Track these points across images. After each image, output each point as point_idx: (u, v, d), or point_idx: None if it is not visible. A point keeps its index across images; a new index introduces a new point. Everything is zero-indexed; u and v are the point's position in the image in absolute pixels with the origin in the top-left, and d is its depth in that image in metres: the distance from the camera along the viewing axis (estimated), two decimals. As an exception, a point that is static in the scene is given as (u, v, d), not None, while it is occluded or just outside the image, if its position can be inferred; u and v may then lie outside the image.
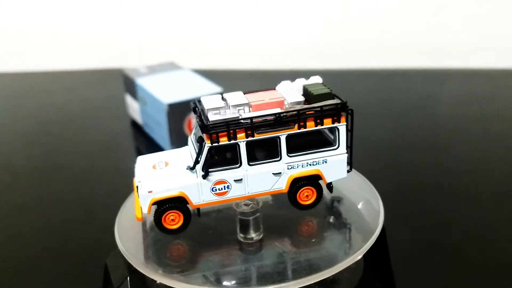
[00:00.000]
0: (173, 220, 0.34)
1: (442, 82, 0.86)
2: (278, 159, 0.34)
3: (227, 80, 0.75)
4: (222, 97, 0.35)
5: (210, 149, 0.33)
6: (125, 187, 0.43)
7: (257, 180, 0.34)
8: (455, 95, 0.80)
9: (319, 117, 0.34)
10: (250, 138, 0.33)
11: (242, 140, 0.33)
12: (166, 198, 0.33)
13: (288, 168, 0.35)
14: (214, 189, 0.34)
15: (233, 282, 0.32)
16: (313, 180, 0.35)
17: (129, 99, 0.73)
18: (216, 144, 0.33)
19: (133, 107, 0.72)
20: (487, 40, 0.92)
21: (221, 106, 0.33)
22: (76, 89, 0.92)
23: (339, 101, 0.34)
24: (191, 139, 0.37)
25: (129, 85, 0.71)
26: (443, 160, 0.60)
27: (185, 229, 0.35)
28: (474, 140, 0.65)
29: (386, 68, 0.92)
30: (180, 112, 0.61)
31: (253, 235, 0.35)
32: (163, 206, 0.34)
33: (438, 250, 0.45)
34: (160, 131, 0.64)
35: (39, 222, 0.52)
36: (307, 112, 0.33)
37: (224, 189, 0.34)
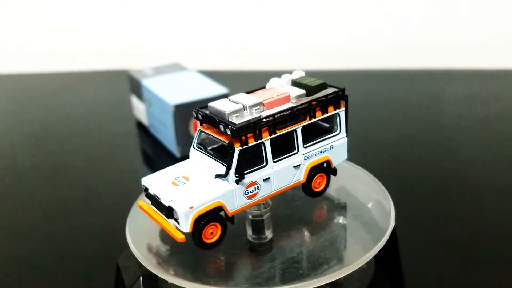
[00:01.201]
0: (212, 234, 0.33)
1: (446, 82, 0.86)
2: (296, 151, 0.36)
3: (233, 81, 0.75)
4: (229, 100, 0.35)
5: (240, 152, 0.33)
6: (131, 188, 0.43)
7: (282, 176, 0.35)
8: (460, 96, 0.80)
9: (325, 106, 0.36)
10: (273, 136, 0.34)
11: (266, 139, 0.34)
12: (206, 212, 0.32)
13: (305, 159, 0.36)
14: (246, 193, 0.34)
15: (244, 282, 0.32)
16: (323, 166, 0.38)
17: (134, 100, 0.73)
18: (246, 146, 0.33)
19: (139, 108, 0.72)
20: (492, 40, 0.92)
21: (240, 108, 0.33)
22: (82, 90, 0.92)
23: (336, 89, 0.37)
24: (197, 148, 0.36)
25: (135, 86, 0.71)
26: (449, 160, 0.60)
27: (222, 241, 0.34)
28: (479, 140, 0.65)
29: (390, 69, 0.92)
30: (186, 113, 0.61)
31: (267, 233, 0.35)
32: (203, 220, 0.32)
33: (448, 250, 0.45)
34: (166, 132, 0.64)
35: (44, 222, 0.52)
36: (313, 103, 0.35)
37: (255, 190, 0.34)
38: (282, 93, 0.35)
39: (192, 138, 0.62)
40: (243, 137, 0.32)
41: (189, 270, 0.33)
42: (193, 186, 0.33)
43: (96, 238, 0.49)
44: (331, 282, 0.31)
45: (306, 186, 0.37)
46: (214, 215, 0.33)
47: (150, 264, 0.33)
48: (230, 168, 0.33)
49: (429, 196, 0.53)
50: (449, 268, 0.42)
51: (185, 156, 0.53)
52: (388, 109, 0.77)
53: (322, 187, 0.38)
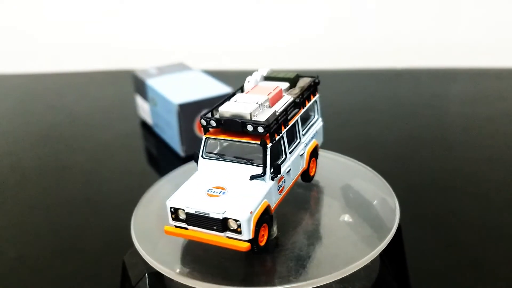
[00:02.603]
0: (263, 236, 0.32)
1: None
2: (299, 141, 0.37)
3: (237, 80, 0.75)
4: (236, 101, 0.34)
5: (271, 148, 0.33)
6: (136, 187, 0.43)
7: (295, 166, 0.36)
8: (464, 95, 0.80)
9: (310, 94, 0.38)
10: (287, 128, 0.35)
11: (284, 132, 0.34)
12: (260, 214, 0.31)
13: (304, 146, 0.37)
14: (278, 188, 0.34)
15: (250, 280, 0.32)
16: (315, 151, 0.39)
17: (139, 100, 0.73)
18: (274, 141, 0.33)
19: (143, 108, 0.72)
20: (496, 39, 0.92)
21: (257, 107, 0.33)
22: (86, 90, 0.92)
23: (311, 78, 0.39)
24: (208, 157, 0.34)
25: (139, 86, 0.72)
26: (453, 159, 0.60)
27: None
28: (484, 139, 0.65)
29: (394, 68, 0.92)
30: (190, 112, 0.61)
31: (272, 231, 0.35)
32: (259, 224, 0.31)
33: (453, 248, 0.44)
34: (170, 132, 0.64)
35: (49, 221, 0.53)
36: (303, 92, 0.37)
37: (283, 184, 0.34)
38: (275, 88, 0.36)
39: (197, 137, 0.62)
40: (275, 134, 0.33)
41: (194, 268, 0.33)
42: (235, 192, 0.32)
43: (102, 236, 0.49)
44: (337, 279, 0.31)
45: (306, 172, 0.38)
46: (265, 216, 0.32)
47: (155, 262, 0.33)
48: (266, 166, 0.32)
49: (433, 195, 0.53)
50: (454, 266, 0.42)
51: (190, 156, 0.53)
52: (393, 108, 0.77)
53: (314, 170, 0.39)
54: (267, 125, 0.32)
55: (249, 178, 0.32)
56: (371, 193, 0.39)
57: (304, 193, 0.40)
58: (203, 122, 0.34)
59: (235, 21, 1.01)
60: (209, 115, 0.34)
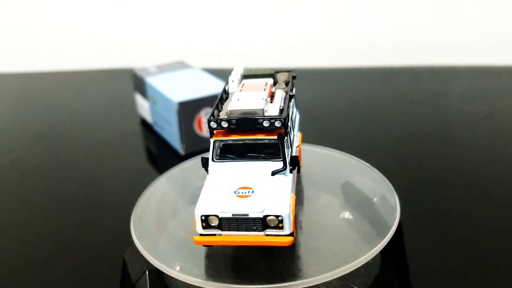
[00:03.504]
0: (295, 228, 0.32)
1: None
2: (294, 132, 0.37)
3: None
4: (238, 100, 0.34)
5: (286, 141, 0.33)
6: (136, 185, 0.43)
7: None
8: (464, 93, 0.80)
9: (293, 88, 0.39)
10: (291, 121, 0.36)
11: (290, 125, 0.35)
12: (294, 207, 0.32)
13: (296, 138, 0.38)
14: (293, 180, 0.34)
15: (250, 278, 0.32)
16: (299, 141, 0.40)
17: (139, 98, 0.73)
18: (288, 134, 0.34)
19: (143, 106, 0.72)
20: (496, 37, 0.92)
21: (265, 102, 0.33)
22: (86, 88, 0.92)
23: (288, 72, 0.39)
24: (220, 160, 0.34)
25: (139, 84, 0.71)
26: (454, 156, 0.60)
27: None
28: (485, 137, 0.65)
29: (395, 66, 0.92)
30: (190, 110, 0.61)
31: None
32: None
33: (454, 245, 0.44)
34: (170, 130, 0.64)
35: (49, 220, 0.53)
36: (291, 86, 0.38)
37: (295, 176, 0.35)
38: (266, 83, 0.36)
39: (196, 135, 0.62)
40: (287, 127, 0.33)
41: (194, 266, 0.33)
42: (263, 190, 0.31)
43: (102, 234, 0.49)
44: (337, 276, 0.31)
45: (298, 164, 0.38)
46: (295, 208, 0.32)
47: (155, 260, 0.33)
48: (286, 159, 0.32)
49: (433, 192, 0.53)
50: (454, 263, 0.42)
51: (189, 154, 0.53)
52: (393, 106, 0.77)
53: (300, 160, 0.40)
54: (284, 118, 0.32)
55: (269, 174, 0.32)
56: (371, 191, 0.39)
57: (304, 190, 0.40)
58: (213, 124, 0.33)
59: (235, 19, 1.00)
60: (215, 117, 0.33)
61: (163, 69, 0.72)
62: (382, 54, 0.94)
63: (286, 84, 0.38)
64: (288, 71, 0.40)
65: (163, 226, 0.37)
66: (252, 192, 0.31)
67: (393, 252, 0.37)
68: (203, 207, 0.31)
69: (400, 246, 0.39)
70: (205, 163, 0.34)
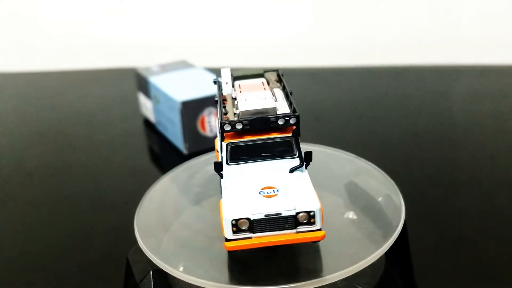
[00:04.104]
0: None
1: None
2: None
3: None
4: (246, 100, 0.34)
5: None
6: (139, 185, 0.43)
7: None
8: (468, 92, 0.80)
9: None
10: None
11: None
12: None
13: None
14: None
15: (253, 278, 0.31)
16: None
17: (142, 98, 0.73)
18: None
19: (146, 106, 0.72)
20: (500, 36, 0.92)
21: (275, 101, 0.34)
22: (89, 88, 0.92)
23: (275, 70, 0.40)
24: (234, 163, 0.33)
25: (142, 84, 0.71)
26: (457, 156, 0.60)
27: None
28: (488, 136, 0.64)
29: (399, 65, 0.92)
30: (193, 109, 0.61)
31: None
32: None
33: (459, 245, 0.44)
34: (173, 129, 0.64)
35: (52, 219, 0.53)
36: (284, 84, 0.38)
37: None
38: (263, 83, 0.37)
39: (200, 135, 0.62)
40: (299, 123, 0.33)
41: (198, 266, 0.32)
42: (287, 188, 0.31)
43: (105, 234, 0.49)
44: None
45: None
46: None
47: (158, 260, 0.33)
48: (302, 156, 0.33)
49: (438, 192, 0.53)
50: (459, 263, 0.42)
51: (192, 153, 0.53)
52: (397, 105, 0.77)
53: None
54: (298, 115, 0.32)
55: (287, 172, 0.32)
56: (375, 190, 0.39)
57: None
58: (227, 127, 0.32)
59: (237, 18, 1.00)
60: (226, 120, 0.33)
61: (166, 68, 0.72)
62: (386, 53, 0.94)
63: (278, 82, 0.38)
64: (275, 70, 0.40)
65: (166, 225, 0.37)
66: (277, 191, 0.31)
67: (398, 251, 0.37)
68: (232, 212, 0.30)
69: (404, 245, 0.39)
70: (218, 168, 0.33)
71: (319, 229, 0.30)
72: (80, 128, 0.75)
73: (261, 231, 0.30)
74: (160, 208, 0.39)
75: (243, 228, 0.30)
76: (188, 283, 0.31)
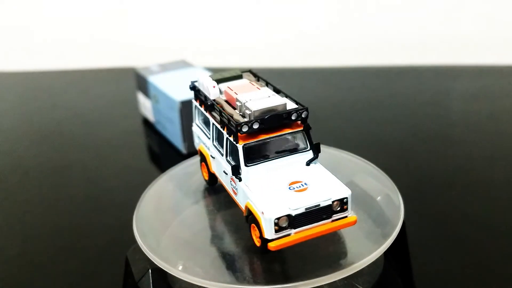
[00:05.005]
0: None
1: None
2: None
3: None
4: (251, 99, 0.34)
5: None
6: (138, 184, 0.43)
7: None
8: (468, 92, 0.80)
9: None
10: None
11: None
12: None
13: None
14: None
15: (253, 278, 0.31)
16: None
17: (141, 97, 0.73)
18: None
19: (145, 105, 0.72)
20: (499, 35, 0.92)
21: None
22: (88, 87, 0.92)
23: (248, 70, 0.40)
24: (252, 163, 0.33)
25: (141, 83, 0.71)
26: (457, 156, 0.60)
27: None
28: (487, 136, 0.64)
29: (399, 65, 0.92)
30: (192, 109, 0.60)
31: None
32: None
33: (457, 245, 0.44)
34: (172, 129, 0.64)
35: (51, 218, 0.53)
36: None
37: None
38: (251, 82, 0.37)
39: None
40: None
41: (197, 265, 0.32)
42: (314, 179, 0.32)
43: (104, 233, 0.49)
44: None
45: None
46: None
47: (157, 259, 0.32)
48: (314, 148, 0.34)
49: (437, 191, 0.53)
50: (458, 262, 0.42)
51: (191, 152, 0.53)
52: (396, 105, 0.76)
53: None
54: (307, 108, 0.33)
55: (304, 165, 0.33)
56: (374, 190, 0.39)
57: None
58: (245, 128, 0.32)
59: (236, 17, 1.00)
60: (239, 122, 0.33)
61: (165, 68, 0.72)
62: (386, 53, 0.94)
63: (259, 81, 0.39)
64: (247, 70, 0.40)
65: (165, 224, 0.37)
66: (306, 184, 0.32)
67: (397, 250, 0.37)
68: (272, 212, 0.30)
69: (403, 244, 0.39)
70: (236, 171, 0.33)
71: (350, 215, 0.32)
72: (79, 127, 0.75)
73: (300, 226, 0.31)
74: (159, 207, 0.39)
75: (283, 225, 0.30)
76: (187, 282, 0.31)
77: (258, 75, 0.39)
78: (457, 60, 0.90)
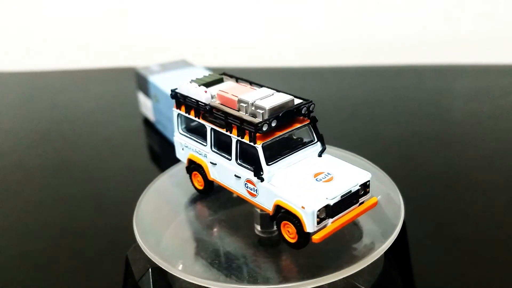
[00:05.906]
0: None
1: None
2: None
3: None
4: (256, 99, 0.34)
5: None
6: (138, 184, 0.43)
7: None
8: (468, 92, 0.80)
9: None
10: None
11: None
12: None
13: None
14: None
15: (253, 277, 0.31)
16: None
17: (141, 97, 0.73)
18: None
19: (146, 105, 0.72)
20: (500, 35, 0.92)
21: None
22: (89, 87, 0.92)
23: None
24: (273, 162, 0.33)
25: (142, 83, 0.71)
26: (457, 156, 0.60)
27: None
28: (488, 136, 0.64)
29: (399, 65, 0.92)
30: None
31: (275, 227, 0.35)
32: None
33: (457, 245, 0.44)
34: (172, 128, 0.64)
35: (52, 218, 0.53)
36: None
37: None
38: (241, 83, 0.38)
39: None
40: None
41: (197, 264, 0.32)
42: (336, 168, 0.33)
43: (105, 232, 0.49)
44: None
45: None
46: None
47: (157, 258, 0.32)
48: (321, 139, 0.35)
49: (437, 191, 0.53)
50: (458, 262, 0.42)
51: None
52: (396, 105, 0.76)
53: None
54: (312, 101, 0.34)
55: (316, 156, 0.34)
56: (375, 189, 0.38)
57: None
58: (266, 127, 0.32)
59: (237, 17, 1.00)
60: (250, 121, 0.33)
61: (165, 67, 0.72)
62: (386, 53, 0.94)
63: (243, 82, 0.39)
64: (222, 73, 0.40)
65: (166, 224, 0.37)
66: (329, 174, 0.32)
67: (397, 250, 0.37)
68: (312, 205, 0.30)
69: (404, 244, 0.39)
70: (258, 172, 0.33)
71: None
72: (79, 127, 0.75)
73: (336, 214, 0.31)
74: (159, 206, 0.39)
75: (322, 216, 0.31)
76: (187, 281, 0.31)
77: (234, 76, 0.39)
78: (457, 60, 0.90)
